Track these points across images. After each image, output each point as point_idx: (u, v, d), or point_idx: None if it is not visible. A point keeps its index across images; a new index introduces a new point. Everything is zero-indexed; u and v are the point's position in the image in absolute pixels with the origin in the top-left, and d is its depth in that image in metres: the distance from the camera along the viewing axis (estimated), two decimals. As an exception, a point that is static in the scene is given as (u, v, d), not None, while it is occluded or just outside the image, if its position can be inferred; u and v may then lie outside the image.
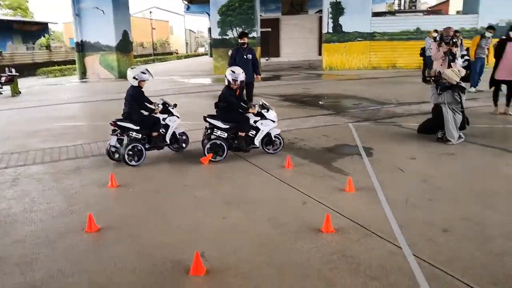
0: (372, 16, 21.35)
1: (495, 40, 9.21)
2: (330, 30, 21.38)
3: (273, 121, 6.07)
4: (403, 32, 20.87)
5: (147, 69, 5.97)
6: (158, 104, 6.08)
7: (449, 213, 4.01)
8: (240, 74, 5.94)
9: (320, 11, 33.83)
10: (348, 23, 21.02)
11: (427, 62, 14.08)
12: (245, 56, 8.73)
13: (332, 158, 5.90)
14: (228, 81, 5.95)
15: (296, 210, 4.21)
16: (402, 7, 39.91)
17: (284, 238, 3.60)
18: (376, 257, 3.24)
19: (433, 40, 14.35)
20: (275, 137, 6.14)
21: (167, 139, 6.13)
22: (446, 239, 3.50)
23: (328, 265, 3.15)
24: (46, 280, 3.06)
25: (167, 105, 6.16)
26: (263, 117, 6.06)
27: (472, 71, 11.97)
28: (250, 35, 21.16)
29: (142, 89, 5.94)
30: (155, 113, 5.99)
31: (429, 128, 6.90)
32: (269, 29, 32.42)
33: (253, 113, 5.99)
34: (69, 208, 4.39)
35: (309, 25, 33.01)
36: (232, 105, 5.96)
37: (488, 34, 11.41)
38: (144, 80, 5.89)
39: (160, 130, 6.03)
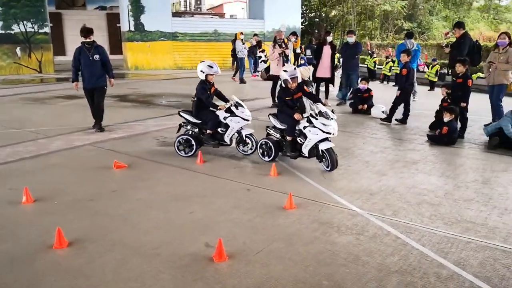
0: (172, 16, 22.11)
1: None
2: (132, 28, 21.13)
3: (245, 119, 5.93)
4: (203, 33, 22.37)
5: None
6: (230, 102, 6.02)
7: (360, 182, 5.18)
8: (215, 67, 6.03)
9: (101, 7, 32.71)
10: (149, 22, 21.17)
11: (240, 63, 15.78)
12: (90, 58, 7.30)
13: (232, 150, 6.44)
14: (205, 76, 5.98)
15: (248, 196, 4.66)
16: (188, 8, 41.97)
17: (263, 219, 4.06)
18: (345, 219, 4.08)
19: (242, 43, 16.18)
20: (246, 136, 6.06)
21: (226, 140, 6.02)
22: (376, 197, 4.61)
23: (317, 231, 3.81)
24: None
25: (235, 105, 5.97)
26: (232, 114, 5.96)
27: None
28: (41, 31, 19.07)
29: (211, 83, 6.07)
30: (219, 110, 5.97)
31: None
32: (51, 25, 29.31)
33: (221, 109, 5.94)
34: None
35: (96, 22, 31.31)
36: (201, 101, 5.96)
37: (292, 39, 13.70)
38: (212, 74, 6.00)
39: (219, 129, 6.01)
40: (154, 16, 21.00)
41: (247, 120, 5.94)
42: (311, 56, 16.52)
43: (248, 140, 6.09)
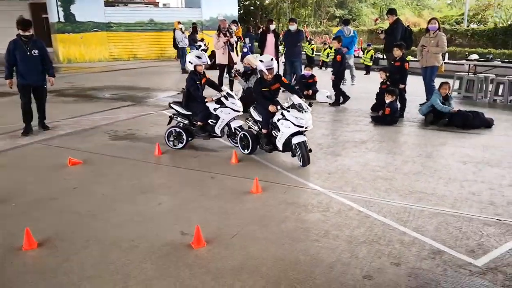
0: (105, 6, 21.21)
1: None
2: (62, 19, 20.04)
3: (236, 110, 5.77)
4: (139, 23, 21.73)
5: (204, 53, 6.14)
6: (220, 93, 5.88)
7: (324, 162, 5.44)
8: (204, 57, 5.93)
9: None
10: (81, 12, 20.20)
11: (181, 52, 15.57)
12: (28, 53, 6.48)
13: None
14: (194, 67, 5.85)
15: (213, 184, 4.74)
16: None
17: (232, 205, 4.17)
18: (309, 198, 4.30)
19: (182, 32, 15.95)
20: (235, 129, 5.89)
21: (217, 131, 5.90)
22: (335, 176, 4.89)
23: (286, 211, 4.00)
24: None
25: (225, 96, 5.81)
26: (223, 105, 5.79)
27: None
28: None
29: (202, 73, 5.97)
30: (207, 102, 5.83)
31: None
32: (-34, 16, 26.92)
33: (208, 102, 5.79)
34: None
35: (19, 13, 29.14)
36: (190, 93, 5.86)
37: (233, 27, 13.72)
38: (201, 65, 5.89)
39: (209, 121, 5.89)
40: (86, 6, 20.07)
41: (238, 111, 5.81)
42: (250, 44, 16.75)
43: (237, 133, 5.88)
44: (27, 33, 6.48)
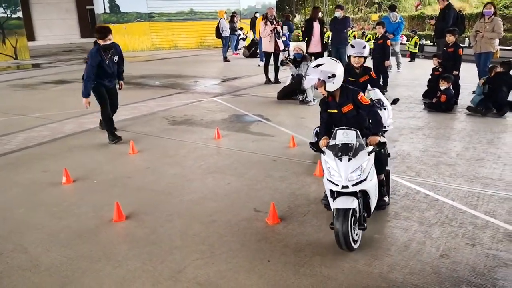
0: (146, -4, 21.65)
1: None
2: (108, 10, 20.63)
3: None
4: (179, 13, 22.06)
5: None
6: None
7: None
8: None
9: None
10: (125, 3, 20.71)
11: (225, 42, 15.75)
12: (110, 62, 5.82)
13: (245, 125, 6.62)
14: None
15: (276, 166, 4.89)
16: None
17: (298, 186, 4.30)
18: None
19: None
20: None
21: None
22: (396, 161, 4.94)
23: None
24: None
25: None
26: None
27: (260, 47, 14.23)
28: (14, 16, 18.34)
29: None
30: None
31: (288, 95, 8.39)
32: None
33: None
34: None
35: (65, 5, 30.25)
36: None
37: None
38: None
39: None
40: (129, -4, 20.55)
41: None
42: (288, 33, 16.73)
43: None
44: (107, 42, 5.65)
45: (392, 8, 12.51)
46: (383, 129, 4.26)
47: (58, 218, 3.70)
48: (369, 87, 4.82)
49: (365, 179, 3.08)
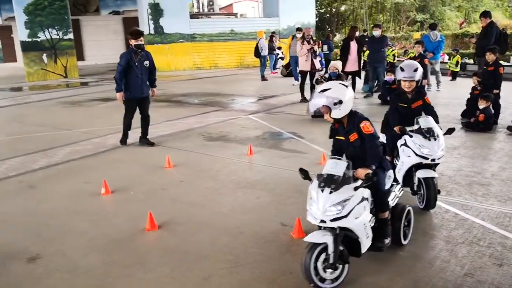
0: (190, 18, 22.53)
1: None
2: (152, 32, 21.60)
3: (421, 156, 4.05)
4: (220, 33, 22.74)
5: None
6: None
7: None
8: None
9: (115, 12, 33.19)
10: (169, 25, 21.64)
11: (263, 61, 16.10)
12: (140, 64, 6.37)
13: (277, 142, 6.77)
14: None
15: (306, 182, 4.98)
16: (201, 9, 42.54)
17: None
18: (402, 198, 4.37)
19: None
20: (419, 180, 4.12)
21: (397, 175, 4.17)
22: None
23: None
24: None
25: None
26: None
27: (292, 66, 14.46)
28: (66, 37, 19.62)
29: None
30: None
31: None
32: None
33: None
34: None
35: (113, 27, 31.94)
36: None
37: (297, 35, 13.85)
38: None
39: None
40: (173, 19, 21.44)
41: (424, 158, 4.01)
42: (328, 52, 16.85)
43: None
44: (139, 42, 6.25)
45: (433, 26, 12.39)
46: (433, 162, 4.00)
47: (96, 225, 3.96)
48: (421, 115, 4.29)
49: (345, 216, 2.78)
